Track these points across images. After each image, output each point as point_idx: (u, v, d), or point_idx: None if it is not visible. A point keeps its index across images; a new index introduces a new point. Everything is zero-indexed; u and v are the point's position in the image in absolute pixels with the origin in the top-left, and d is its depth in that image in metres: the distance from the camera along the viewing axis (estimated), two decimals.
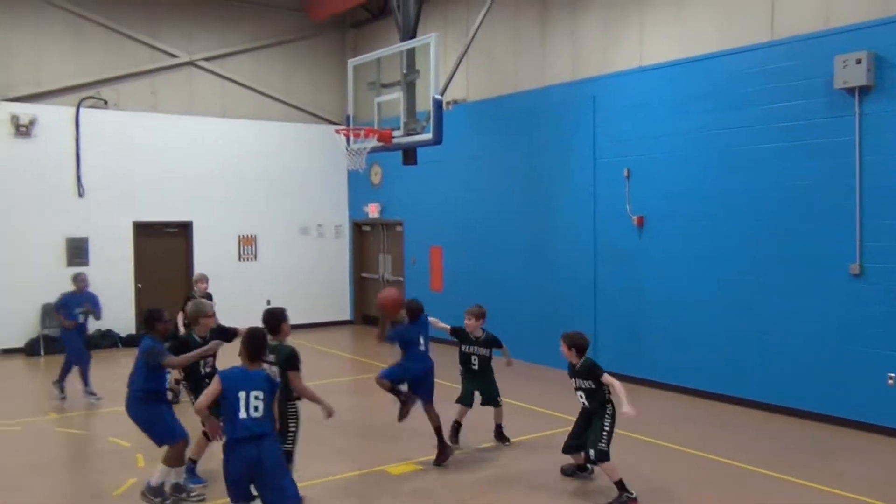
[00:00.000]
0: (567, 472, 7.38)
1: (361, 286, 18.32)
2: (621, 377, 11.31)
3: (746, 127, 9.82)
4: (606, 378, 6.75)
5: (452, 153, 13.64)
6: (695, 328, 10.49)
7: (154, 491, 6.53)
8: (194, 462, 7.08)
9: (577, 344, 6.89)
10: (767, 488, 7.04)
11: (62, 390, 10.78)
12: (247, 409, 5.23)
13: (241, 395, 5.24)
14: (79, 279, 10.94)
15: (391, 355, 8.57)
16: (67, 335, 10.81)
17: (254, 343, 5.50)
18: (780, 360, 9.51)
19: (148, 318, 6.79)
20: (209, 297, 10.06)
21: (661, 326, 10.99)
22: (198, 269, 14.96)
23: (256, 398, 5.27)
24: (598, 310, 11.92)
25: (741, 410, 9.74)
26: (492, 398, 8.50)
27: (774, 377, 9.58)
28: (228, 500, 5.47)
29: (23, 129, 14.40)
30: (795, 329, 9.35)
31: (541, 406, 9.92)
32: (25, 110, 14.48)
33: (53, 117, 14.76)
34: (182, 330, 9.43)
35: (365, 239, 18.29)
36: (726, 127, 10.06)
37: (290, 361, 6.21)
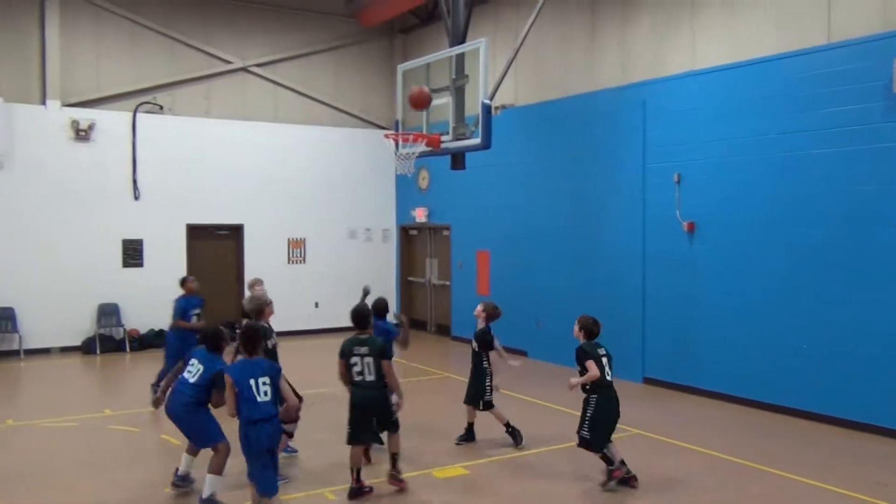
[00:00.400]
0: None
1: (408, 290, 18.40)
2: (670, 385, 11.31)
3: (802, 132, 9.61)
4: (588, 363, 7.02)
5: (500, 158, 13.61)
6: (746, 336, 10.28)
7: (207, 503, 6.60)
8: None
9: (586, 327, 7.28)
10: (816, 499, 6.89)
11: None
12: (258, 394, 5.87)
13: (252, 382, 5.87)
14: (189, 281, 10.68)
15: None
16: (177, 336, 10.35)
17: (249, 338, 6.10)
18: (835, 370, 9.27)
19: (215, 338, 7.00)
20: None
21: (711, 334, 10.80)
22: (248, 271, 15.23)
23: (264, 383, 5.92)
24: (647, 316, 11.78)
25: (792, 420, 9.52)
26: (474, 398, 8.50)
27: (828, 387, 9.34)
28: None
29: (82, 134, 14.82)
30: (851, 338, 9.10)
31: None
32: (85, 115, 14.90)
33: (111, 122, 15.16)
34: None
35: (412, 243, 18.37)
36: (781, 132, 9.85)
37: (384, 352, 6.92)
